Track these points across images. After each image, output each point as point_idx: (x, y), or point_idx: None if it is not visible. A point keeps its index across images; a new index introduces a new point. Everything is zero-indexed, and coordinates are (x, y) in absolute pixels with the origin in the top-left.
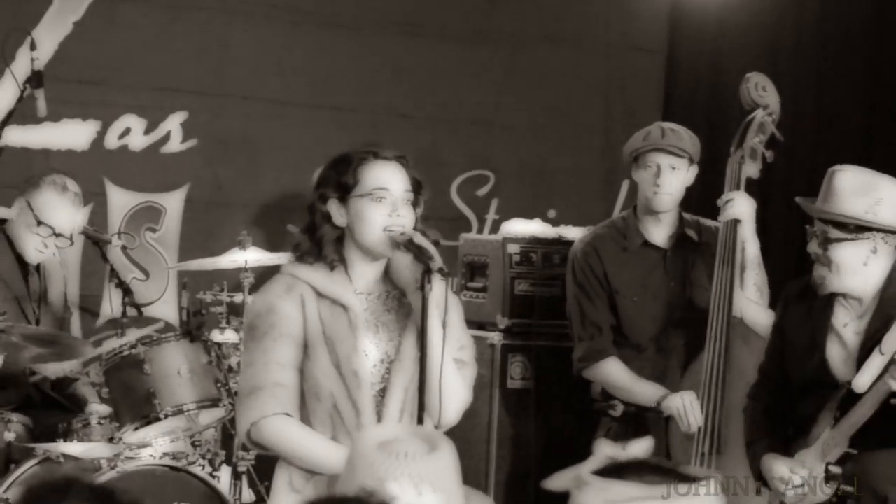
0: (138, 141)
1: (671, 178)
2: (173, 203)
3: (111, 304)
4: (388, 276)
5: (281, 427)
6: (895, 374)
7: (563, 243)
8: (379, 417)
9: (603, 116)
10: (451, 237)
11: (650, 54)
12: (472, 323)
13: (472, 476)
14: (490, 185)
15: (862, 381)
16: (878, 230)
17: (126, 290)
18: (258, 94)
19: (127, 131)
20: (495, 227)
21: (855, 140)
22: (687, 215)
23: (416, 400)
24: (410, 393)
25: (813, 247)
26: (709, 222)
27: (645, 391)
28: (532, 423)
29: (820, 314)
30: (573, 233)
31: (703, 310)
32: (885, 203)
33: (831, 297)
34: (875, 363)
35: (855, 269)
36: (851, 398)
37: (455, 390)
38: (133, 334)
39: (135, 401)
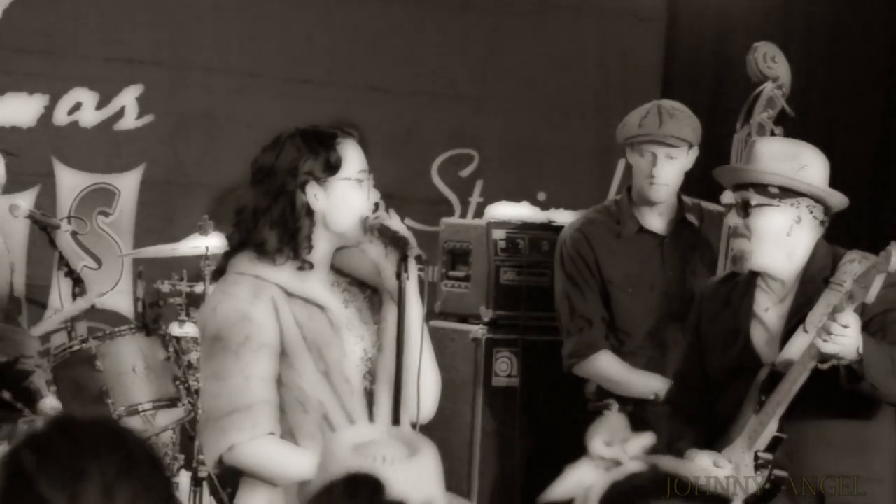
0: (90, 117)
1: (668, 168)
2: (128, 184)
3: (60, 295)
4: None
5: (267, 448)
6: (823, 332)
7: (552, 229)
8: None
9: (597, 90)
10: (432, 222)
11: (648, 22)
12: (454, 315)
13: (453, 481)
14: (474, 165)
15: (786, 359)
16: (804, 194)
17: (76, 280)
18: (221, 65)
19: (77, 106)
20: (479, 211)
21: (871, 114)
22: (687, 199)
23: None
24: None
25: (732, 218)
26: (711, 206)
27: (642, 382)
28: (518, 424)
29: (740, 301)
30: (564, 217)
31: None
32: (810, 169)
33: (751, 283)
34: (799, 341)
35: (778, 239)
36: (776, 379)
37: (432, 382)
38: (84, 327)
39: (86, 400)
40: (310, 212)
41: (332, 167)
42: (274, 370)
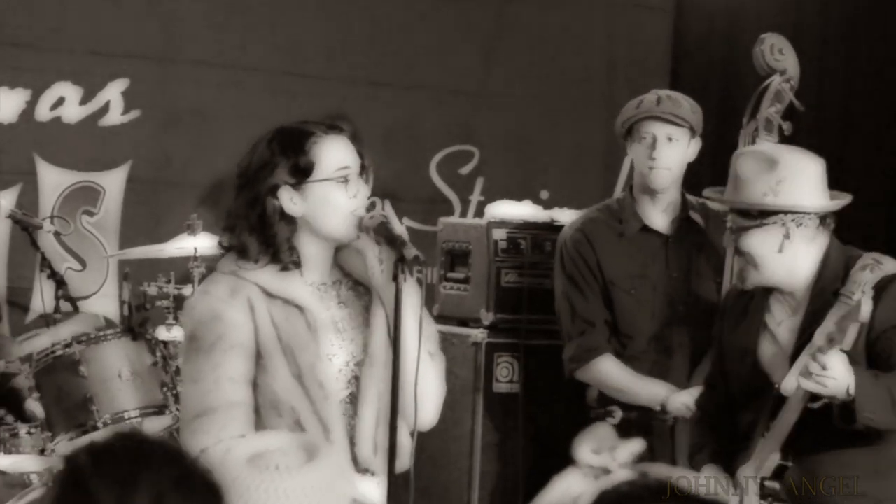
0: (73, 112)
1: (668, 150)
2: (113, 183)
3: (42, 298)
4: (335, 262)
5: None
6: (806, 372)
7: (555, 228)
8: (350, 431)
9: (603, 84)
10: (430, 221)
11: (656, 12)
12: (453, 319)
13: (453, 491)
14: (474, 162)
15: (788, 384)
16: (783, 212)
17: (59, 282)
18: (212, 58)
19: (61, 101)
20: (480, 210)
21: (889, 107)
22: (692, 198)
23: (389, 406)
24: (385, 400)
25: (727, 239)
26: (717, 206)
27: (647, 391)
28: (520, 431)
29: (755, 313)
30: (567, 216)
31: (710, 304)
32: (788, 181)
33: (768, 294)
34: (804, 362)
35: (769, 259)
36: (781, 403)
37: (433, 388)
38: (67, 331)
39: (69, 407)
40: (285, 217)
41: (303, 171)
42: (248, 371)
